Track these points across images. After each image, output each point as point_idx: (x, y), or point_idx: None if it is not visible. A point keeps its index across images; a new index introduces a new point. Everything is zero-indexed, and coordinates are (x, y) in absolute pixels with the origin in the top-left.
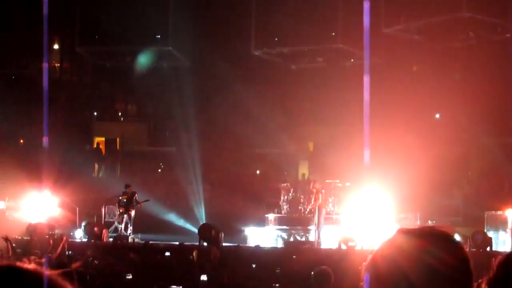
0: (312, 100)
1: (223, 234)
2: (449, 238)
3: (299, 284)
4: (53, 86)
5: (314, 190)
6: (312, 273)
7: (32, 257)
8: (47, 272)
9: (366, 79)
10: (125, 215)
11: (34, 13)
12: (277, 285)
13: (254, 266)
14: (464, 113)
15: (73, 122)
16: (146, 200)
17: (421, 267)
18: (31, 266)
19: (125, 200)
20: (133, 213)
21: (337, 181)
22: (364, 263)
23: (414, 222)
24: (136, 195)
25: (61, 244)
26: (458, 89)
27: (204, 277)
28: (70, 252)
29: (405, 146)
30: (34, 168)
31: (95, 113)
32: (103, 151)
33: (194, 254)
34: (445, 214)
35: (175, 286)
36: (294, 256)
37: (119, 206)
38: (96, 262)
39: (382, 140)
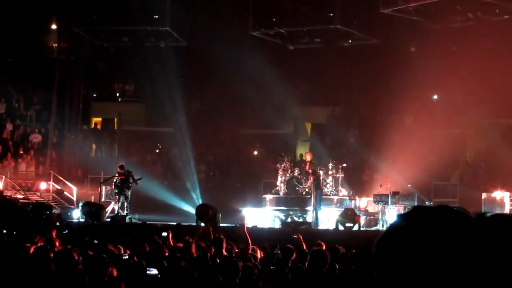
0: (310, 80)
1: (220, 215)
2: (468, 217)
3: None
4: (50, 66)
5: (310, 171)
6: (309, 253)
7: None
8: None
9: None
10: (122, 196)
11: None
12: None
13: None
14: (462, 94)
15: (70, 102)
16: (139, 179)
17: (440, 245)
18: None
19: (120, 180)
20: (129, 193)
21: (335, 162)
22: (376, 239)
23: (411, 203)
24: (131, 174)
25: None
26: (456, 70)
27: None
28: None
29: (402, 127)
30: (32, 149)
31: (93, 94)
32: (101, 131)
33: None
34: (442, 195)
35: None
36: (294, 236)
37: (115, 187)
38: (96, 242)
39: (379, 121)
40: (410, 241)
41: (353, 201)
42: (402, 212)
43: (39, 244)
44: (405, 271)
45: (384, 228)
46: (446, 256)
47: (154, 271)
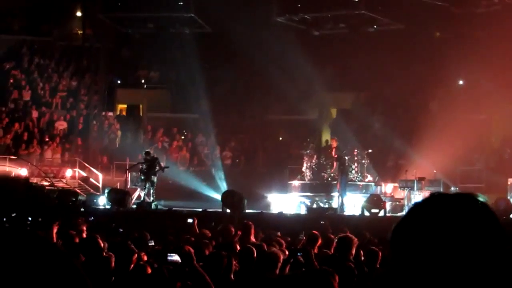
0: (335, 66)
1: (246, 201)
2: (484, 205)
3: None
4: (76, 53)
5: (336, 156)
6: (336, 238)
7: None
8: None
9: None
10: (147, 182)
11: None
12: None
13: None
14: (487, 79)
15: (96, 89)
16: (166, 167)
17: (457, 233)
18: None
19: (146, 167)
20: (155, 179)
21: (360, 147)
22: (393, 226)
23: (437, 189)
24: (158, 161)
25: None
26: (481, 55)
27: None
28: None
29: (428, 112)
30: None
31: (118, 80)
32: (126, 117)
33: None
34: (468, 181)
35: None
36: (322, 222)
37: (141, 173)
38: (121, 230)
39: (404, 107)
40: (425, 229)
41: (378, 187)
42: (419, 200)
43: (64, 231)
44: (419, 259)
45: None
46: (460, 245)
47: (175, 257)
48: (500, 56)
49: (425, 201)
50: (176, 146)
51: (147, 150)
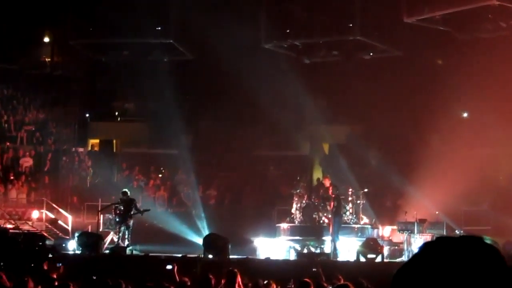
0: (327, 97)
1: (230, 245)
2: (493, 249)
3: None
4: (44, 83)
5: (333, 196)
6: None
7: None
8: None
9: None
10: (123, 225)
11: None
12: None
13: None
14: (493, 110)
15: (66, 122)
16: (147, 210)
17: (465, 280)
18: None
19: (122, 208)
20: (131, 222)
21: (355, 186)
22: (395, 272)
23: (440, 232)
24: (135, 202)
25: None
26: (487, 84)
27: None
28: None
29: (429, 147)
30: (23, 174)
31: (90, 113)
32: (99, 153)
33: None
34: (473, 223)
35: None
36: (314, 269)
37: (116, 215)
38: (94, 278)
39: (403, 141)
40: (430, 277)
41: (375, 230)
42: (425, 242)
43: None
44: None
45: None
46: None
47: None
48: (508, 85)
49: (428, 245)
50: (153, 185)
51: (124, 189)
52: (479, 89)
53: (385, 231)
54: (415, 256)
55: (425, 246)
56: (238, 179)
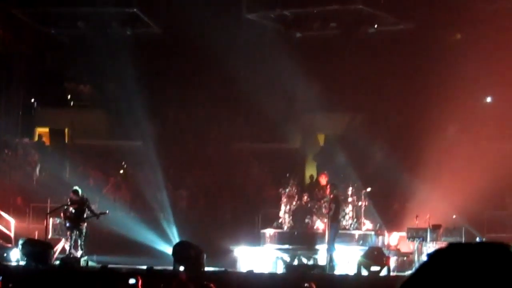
0: (322, 79)
1: (205, 256)
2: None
3: None
4: None
5: (332, 197)
6: None
7: None
8: None
9: None
10: (74, 231)
11: None
12: None
13: None
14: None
15: (7, 108)
16: (104, 213)
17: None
18: None
19: (73, 211)
20: (84, 227)
21: (356, 185)
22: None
23: (458, 240)
24: (88, 203)
25: None
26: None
27: None
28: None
29: (445, 139)
30: None
31: (37, 97)
32: (48, 145)
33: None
34: (497, 229)
35: None
36: (306, 285)
37: (66, 218)
38: None
39: (415, 132)
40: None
41: (380, 238)
42: (435, 250)
43: None
44: None
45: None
46: None
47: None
48: None
49: (440, 253)
50: (113, 183)
51: (75, 188)
52: (505, 69)
53: (392, 238)
54: (423, 266)
55: (435, 254)
56: (214, 177)
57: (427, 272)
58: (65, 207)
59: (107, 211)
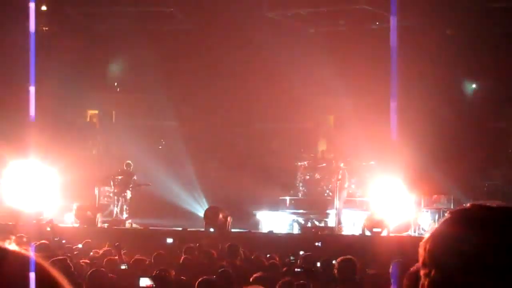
0: (334, 68)
1: (231, 219)
2: None
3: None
4: (41, 53)
5: (337, 168)
6: (335, 262)
7: (16, 241)
8: (34, 256)
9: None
10: (121, 197)
11: None
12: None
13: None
14: (505, 82)
15: (63, 93)
16: (147, 184)
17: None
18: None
19: (120, 178)
20: (129, 194)
21: (361, 160)
22: (421, 242)
23: (447, 206)
24: (135, 176)
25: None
26: (500, 55)
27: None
28: (58, 239)
29: (438, 120)
30: (20, 145)
31: (88, 83)
32: (97, 125)
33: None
34: (482, 197)
35: None
36: (317, 244)
37: (114, 186)
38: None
39: (412, 114)
40: (461, 247)
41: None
42: (451, 211)
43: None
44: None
45: (416, 234)
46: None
47: (147, 282)
48: None
49: (462, 212)
50: (153, 157)
51: (128, 161)
52: (490, 60)
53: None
54: (444, 225)
55: (456, 214)
56: (239, 152)
57: (446, 231)
58: (114, 176)
59: (150, 183)
